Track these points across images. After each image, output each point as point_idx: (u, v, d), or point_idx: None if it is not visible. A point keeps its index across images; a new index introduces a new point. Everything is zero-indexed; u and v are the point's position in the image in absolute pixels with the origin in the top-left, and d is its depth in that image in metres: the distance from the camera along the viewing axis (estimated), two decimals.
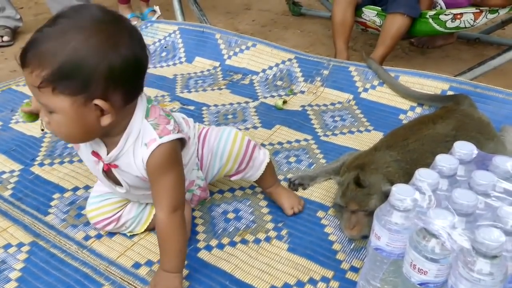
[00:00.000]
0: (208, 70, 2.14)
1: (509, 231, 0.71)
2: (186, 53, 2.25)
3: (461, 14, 2.04)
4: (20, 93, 1.89)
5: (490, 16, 2.07)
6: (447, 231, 0.70)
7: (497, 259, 0.67)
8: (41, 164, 1.43)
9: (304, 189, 1.32)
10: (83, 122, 0.82)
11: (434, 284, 0.74)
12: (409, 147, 1.20)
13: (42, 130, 1.00)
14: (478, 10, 2.04)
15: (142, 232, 1.15)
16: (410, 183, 0.83)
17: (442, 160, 0.86)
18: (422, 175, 0.82)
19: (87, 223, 1.18)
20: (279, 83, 1.98)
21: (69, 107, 0.80)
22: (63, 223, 1.19)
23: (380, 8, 2.18)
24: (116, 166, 0.94)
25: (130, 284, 1.01)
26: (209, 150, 1.12)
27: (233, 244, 1.13)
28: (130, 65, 0.82)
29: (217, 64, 2.16)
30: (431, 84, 1.75)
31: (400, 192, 0.78)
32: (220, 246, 1.12)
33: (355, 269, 1.05)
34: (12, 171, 1.40)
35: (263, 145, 1.53)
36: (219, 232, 1.17)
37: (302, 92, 1.90)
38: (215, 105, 1.81)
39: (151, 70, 2.12)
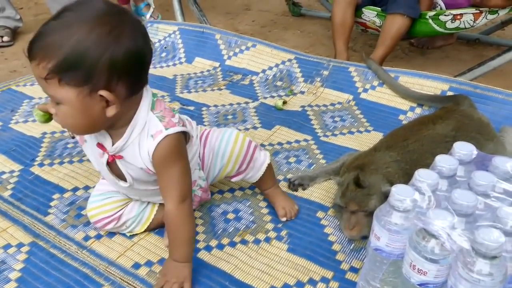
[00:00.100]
0: (208, 70, 2.14)
1: (509, 231, 0.71)
2: (186, 53, 2.25)
3: (461, 14, 2.04)
4: (20, 94, 1.89)
5: (490, 16, 2.07)
6: (446, 232, 0.70)
7: (497, 260, 0.67)
8: (41, 165, 1.43)
9: (304, 189, 1.32)
10: (89, 113, 0.84)
11: (433, 285, 0.74)
12: (409, 148, 1.20)
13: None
14: (478, 11, 2.04)
15: (142, 233, 1.15)
16: (409, 184, 0.83)
17: (442, 161, 0.86)
18: (422, 175, 0.82)
19: (87, 224, 1.18)
20: (279, 83, 1.98)
21: (75, 98, 0.82)
22: (62, 224, 1.19)
23: (380, 8, 2.18)
24: (121, 157, 0.95)
25: (130, 284, 1.01)
26: (210, 150, 1.12)
27: (233, 244, 1.13)
28: (133, 56, 0.84)
29: (217, 64, 2.16)
30: (431, 84, 1.75)
31: (399, 192, 0.78)
32: (220, 247, 1.12)
33: (354, 270, 1.05)
34: (12, 171, 1.40)
35: (262, 145, 1.53)
36: (219, 232, 1.17)
37: (302, 92, 1.91)
38: (215, 106, 1.81)
39: (151, 70, 2.10)
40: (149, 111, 0.92)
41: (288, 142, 1.55)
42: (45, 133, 1.59)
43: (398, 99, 1.77)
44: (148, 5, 3.08)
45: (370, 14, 2.21)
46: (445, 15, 2.06)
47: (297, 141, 1.56)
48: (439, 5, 2.20)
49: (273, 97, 1.87)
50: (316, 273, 1.05)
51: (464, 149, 0.90)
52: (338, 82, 1.90)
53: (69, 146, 1.52)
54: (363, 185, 1.09)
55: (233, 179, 1.20)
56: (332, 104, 1.81)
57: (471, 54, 2.61)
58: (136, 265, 1.07)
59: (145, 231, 1.15)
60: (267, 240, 1.14)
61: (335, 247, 1.12)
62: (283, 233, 1.16)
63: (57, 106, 0.85)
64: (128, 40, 0.82)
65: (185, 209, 0.96)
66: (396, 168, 1.15)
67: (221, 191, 1.31)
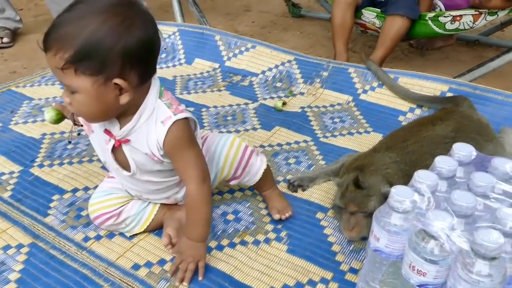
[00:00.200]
0: (208, 71, 2.14)
1: (508, 232, 0.71)
2: (186, 54, 2.25)
3: (461, 16, 2.05)
4: (20, 95, 1.89)
5: (489, 18, 2.08)
6: (446, 233, 0.70)
7: (496, 261, 0.67)
8: (41, 166, 1.43)
9: (303, 190, 1.32)
10: (103, 100, 0.88)
11: (433, 286, 0.74)
12: (408, 149, 1.20)
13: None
14: (477, 12, 2.04)
15: (141, 233, 1.15)
16: (409, 185, 0.84)
17: (441, 162, 0.86)
18: (421, 176, 0.83)
19: (87, 225, 1.18)
20: (278, 84, 1.98)
21: (91, 87, 0.85)
22: (62, 225, 1.19)
23: (379, 9, 2.18)
24: (127, 141, 0.97)
25: (129, 285, 1.01)
26: (207, 154, 1.13)
27: (232, 245, 1.13)
28: (144, 45, 0.87)
29: (216, 65, 2.16)
30: (430, 85, 1.75)
31: (399, 193, 0.79)
32: (220, 248, 1.12)
33: (354, 271, 1.05)
34: (12, 172, 1.40)
35: (262, 146, 1.53)
36: (218, 233, 1.17)
37: (302, 93, 1.91)
38: (215, 107, 1.81)
39: None
40: (157, 98, 0.95)
41: (288, 143, 1.55)
42: (44, 134, 1.59)
43: (398, 100, 1.77)
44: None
45: (369, 15, 2.22)
46: (444, 16, 2.06)
47: (297, 142, 1.56)
48: (439, 6, 2.20)
49: (272, 98, 1.87)
50: (316, 274, 1.05)
51: (463, 150, 0.90)
52: (337, 83, 1.90)
53: (68, 147, 1.52)
54: (362, 186, 1.09)
55: (230, 183, 1.20)
56: (332, 105, 1.81)
57: (471, 55, 2.62)
58: (136, 266, 1.07)
59: (144, 231, 1.15)
60: (267, 241, 1.14)
61: (335, 248, 1.12)
62: (283, 234, 1.16)
63: (72, 95, 0.88)
64: (140, 30, 0.86)
65: (205, 190, 1.00)
66: (396, 169, 1.15)
67: (220, 192, 1.31)
